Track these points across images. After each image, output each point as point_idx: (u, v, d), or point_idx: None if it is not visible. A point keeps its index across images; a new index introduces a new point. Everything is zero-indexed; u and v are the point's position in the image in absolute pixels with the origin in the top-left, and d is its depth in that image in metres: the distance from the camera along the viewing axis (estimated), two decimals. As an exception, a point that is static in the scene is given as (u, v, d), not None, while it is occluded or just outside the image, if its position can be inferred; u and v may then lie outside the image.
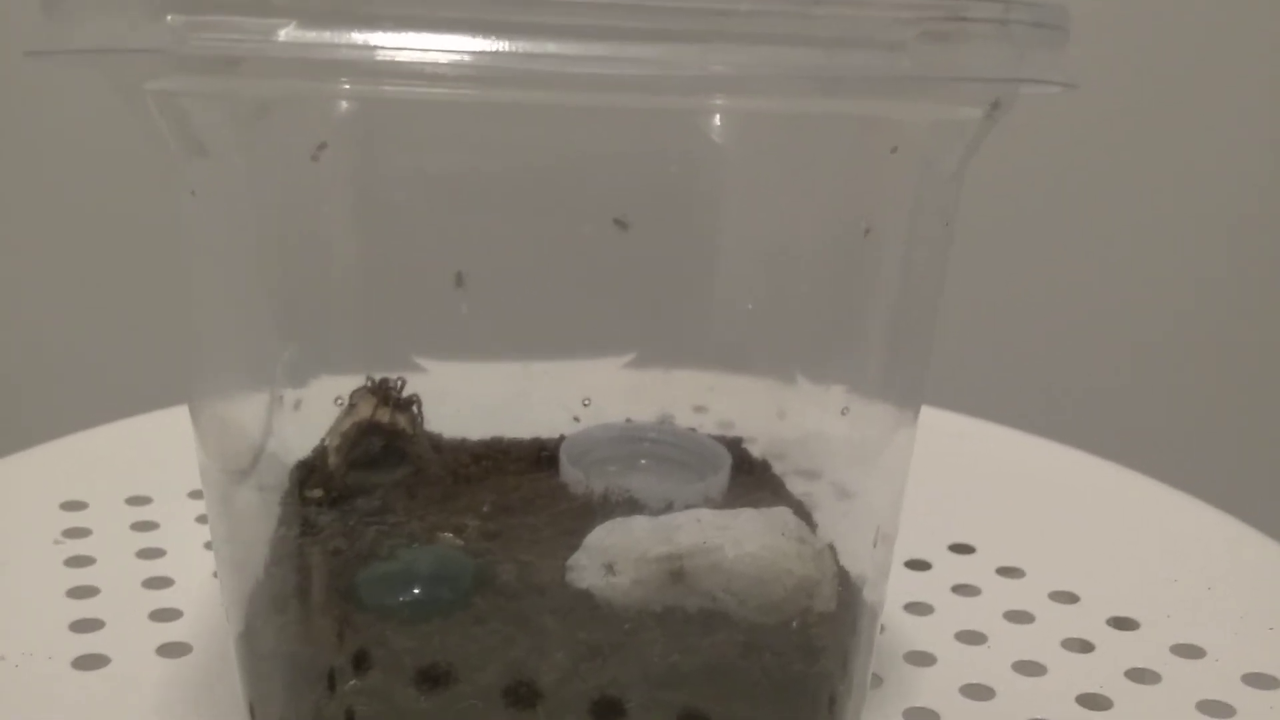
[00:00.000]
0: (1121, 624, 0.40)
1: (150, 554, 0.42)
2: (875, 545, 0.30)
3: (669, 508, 0.34)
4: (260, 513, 0.31)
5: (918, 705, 0.35)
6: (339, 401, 0.37)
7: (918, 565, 0.44)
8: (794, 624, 0.29)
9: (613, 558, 0.30)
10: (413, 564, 0.29)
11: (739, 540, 0.29)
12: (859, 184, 0.30)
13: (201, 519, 0.45)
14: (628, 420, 0.42)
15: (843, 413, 0.31)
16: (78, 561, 0.42)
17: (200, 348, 0.30)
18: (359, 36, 0.23)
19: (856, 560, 0.32)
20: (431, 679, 0.27)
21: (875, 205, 0.29)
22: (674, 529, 0.31)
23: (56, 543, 0.43)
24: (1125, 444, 0.58)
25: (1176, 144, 0.83)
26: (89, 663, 0.35)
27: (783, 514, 0.31)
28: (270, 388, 0.34)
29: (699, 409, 0.43)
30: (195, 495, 0.47)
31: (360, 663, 0.27)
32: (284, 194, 0.34)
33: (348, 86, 0.31)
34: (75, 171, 0.77)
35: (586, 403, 0.40)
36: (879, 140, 0.27)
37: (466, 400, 0.43)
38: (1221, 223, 0.85)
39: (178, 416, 0.34)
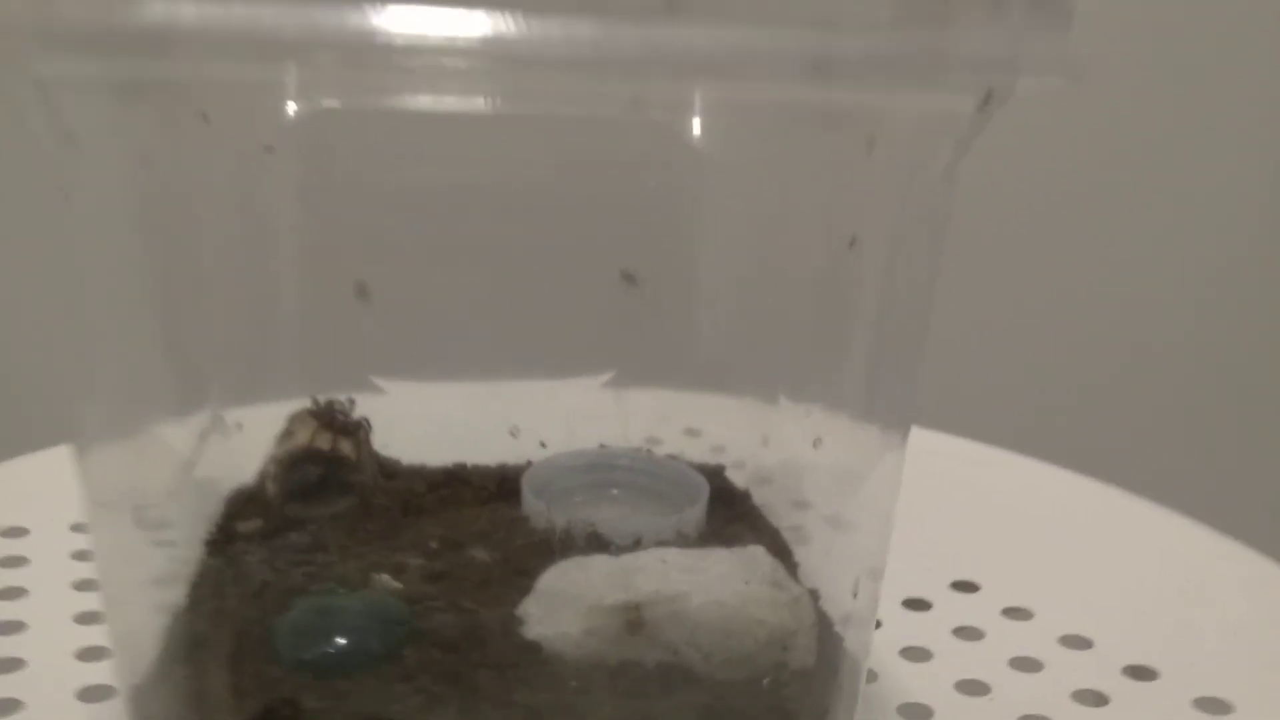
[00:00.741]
0: (1139, 674, 0.36)
1: (89, 586, 0.39)
2: (855, 595, 0.27)
3: (637, 543, 0.31)
4: (158, 551, 0.28)
5: (911, 766, 0.31)
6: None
7: (916, 605, 0.41)
8: (765, 681, 0.26)
9: (565, 604, 0.27)
10: (337, 610, 0.26)
11: (705, 586, 0.26)
12: (843, 189, 0.27)
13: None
14: (601, 446, 0.39)
15: (815, 444, 0.28)
16: (8, 593, 0.39)
17: (105, 365, 0.26)
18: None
19: (839, 604, 0.28)
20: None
21: (860, 211, 0.26)
22: (634, 571, 0.27)
23: (-12, 573, 0.40)
24: (1144, 471, 0.54)
25: (1186, 147, 0.80)
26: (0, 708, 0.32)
27: (756, 554, 0.28)
28: (195, 411, 0.31)
29: (688, 431, 0.40)
30: (158, 526, 0.44)
31: (267, 725, 0.24)
32: (223, 194, 0.31)
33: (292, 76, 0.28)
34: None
35: (543, 443, 0.37)
36: (862, 139, 0.24)
37: (432, 424, 0.40)
38: (1233, 231, 0.81)
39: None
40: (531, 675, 0.25)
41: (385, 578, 0.28)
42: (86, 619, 0.37)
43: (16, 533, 0.43)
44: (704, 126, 0.33)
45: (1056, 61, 0.21)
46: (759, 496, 0.36)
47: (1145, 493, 0.49)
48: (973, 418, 0.56)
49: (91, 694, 0.33)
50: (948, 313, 0.81)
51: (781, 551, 0.31)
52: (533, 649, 0.26)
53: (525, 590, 0.28)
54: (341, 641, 0.25)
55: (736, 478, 0.38)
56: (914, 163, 0.23)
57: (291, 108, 0.33)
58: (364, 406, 0.36)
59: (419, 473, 0.36)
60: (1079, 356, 0.83)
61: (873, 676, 0.36)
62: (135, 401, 0.28)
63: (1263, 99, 0.79)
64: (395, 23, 0.21)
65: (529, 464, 0.37)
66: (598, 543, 0.31)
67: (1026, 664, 0.37)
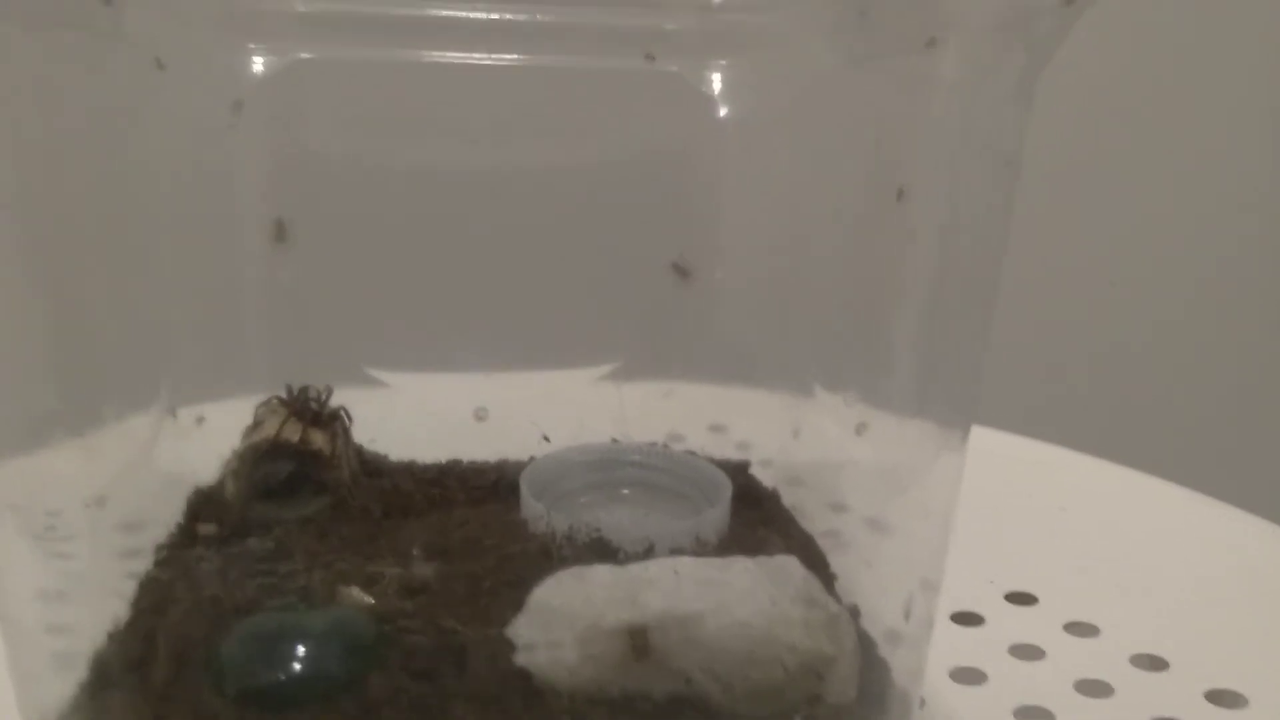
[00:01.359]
0: (1221, 698, 0.32)
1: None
2: (908, 616, 0.23)
3: (649, 551, 0.27)
4: (99, 556, 0.24)
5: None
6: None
7: (968, 619, 0.36)
8: (796, 718, 0.21)
9: (560, 623, 0.23)
10: (293, 630, 0.22)
11: (726, 603, 0.22)
12: (888, 126, 0.23)
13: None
14: (613, 441, 0.35)
15: (858, 430, 0.24)
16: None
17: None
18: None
19: (884, 623, 0.24)
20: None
21: (910, 151, 0.21)
22: (642, 584, 0.23)
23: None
24: (1219, 473, 0.49)
25: (1182, 105, 0.75)
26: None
27: (787, 565, 0.24)
28: (144, 402, 0.27)
29: (713, 428, 0.36)
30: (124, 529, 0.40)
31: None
32: (184, 153, 0.28)
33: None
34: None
35: (547, 437, 0.33)
36: (913, 61, 0.20)
37: (429, 418, 0.36)
38: (1246, 204, 0.76)
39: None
40: (517, 709, 0.21)
41: (354, 591, 0.24)
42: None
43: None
44: (723, 77, 0.29)
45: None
46: (790, 498, 0.32)
47: (1225, 496, 0.44)
48: (1025, 411, 0.51)
49: None
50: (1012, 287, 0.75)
51: (816, 562, 0.27)
52: (521, 677, 0.22)
53: (517, 606, 0.24)
54: (296, 667, 0.21)
55: (764, 477, 0.34)
56: (978, 76, 0.19)
57: (259, 60, 0.30)
58: (358, 401, 0.32)
59: (407, 470, 0.32)
60: (1154, 344, 0.78)
61: (920, 701, 0.32)
62: (65, 397, 0.24)
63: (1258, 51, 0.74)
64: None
65: (531, 460, 0.33)
66: (603, 550, 0.27)
67: (1095, 687, 0.33)
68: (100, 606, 0.23)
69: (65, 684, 0.22)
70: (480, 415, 0.32)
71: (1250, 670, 0.33)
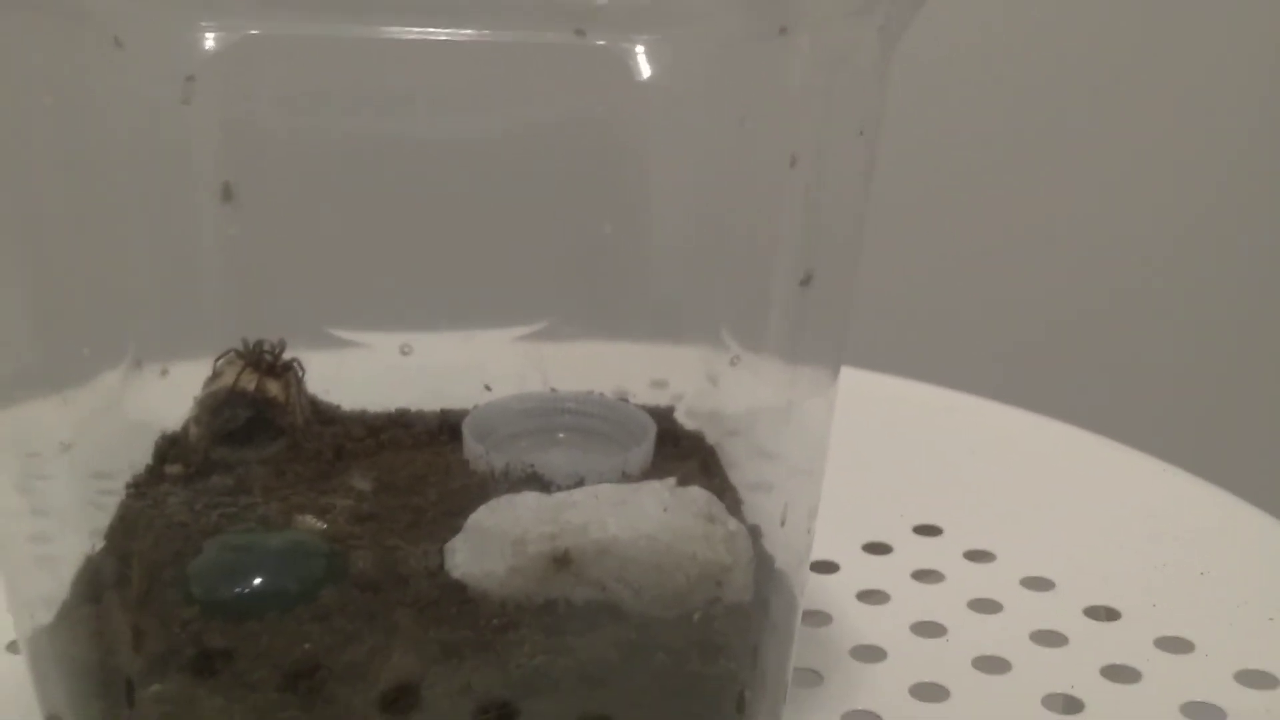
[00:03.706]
0: (1100, 614, 0.36)
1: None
2: (783, 523, 0.26)
3: (579, 484, 0.30)
4: (75, 493, 0.27)
5: (858, 708, 0.31)
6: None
7: (877, 549, 0.40)
8: (695, 616, 0.25)
9: (492, 541, 0.26)
10: (253, 550, 0.25)
11: (633, 520, 0.25)
12: (779, 103, 0.26)
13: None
14: (551, 390, 0.38)
15: (731, 362, 0.27)
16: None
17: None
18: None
19: (778, 544, 0.27)
20: (251, 685, 0.23)
21: (793, 124, 0.24)
22: (565, 507, 0.26)
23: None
24: (1108, 413, 0.53)
25: (1152, 70, 0.78)
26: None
27: (693, 490, 0.27)
28: (113, 355, 0.30)
29: (654, 384, 0.39)
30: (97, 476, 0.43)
31: (169, 666, 0.23)
32: (141, 127, 0.30)
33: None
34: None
35: (488, 386, 0.36)
36: (774, 25, 0.22)
37: (381, 373, 0.39)
38: (1195, 167, 0.80)
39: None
40: (452, 614, 0.24)
41: (308, 518, 0.27)
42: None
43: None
44: (646, 49, 0.32)
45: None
46: (711, 438, 0.35)
47: (1114, 434, 0.48)
48: (933, 359, 0.55)
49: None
50: (906, 251, 0.80)
51: (724, 489, 0.30)
52: (457, 588, 0.25)
53: (456, 531, 0.27)
54: (256, 581, 0.24)
55: (689, 422, 0.37)
56: (835, 58, 0.22)
57: (210, 36, 0.32)
58: (314, 357, 0.35)
59: (358, 418, 0.35)
60: (1046, 293, 0.82)
61: (827, 619, 0.35)
62: (40, 346, 0.27)
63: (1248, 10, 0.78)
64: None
65: (473, 408, 0.36)
66: (538, 485, 0.30)
67: (986, 605, 0.36)
68: (78, 536, 0.26)
69: (51, 604, 0.24)
70: (405, 350, 0.35)
71: (1123, 585, 0.37)
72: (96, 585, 0.25)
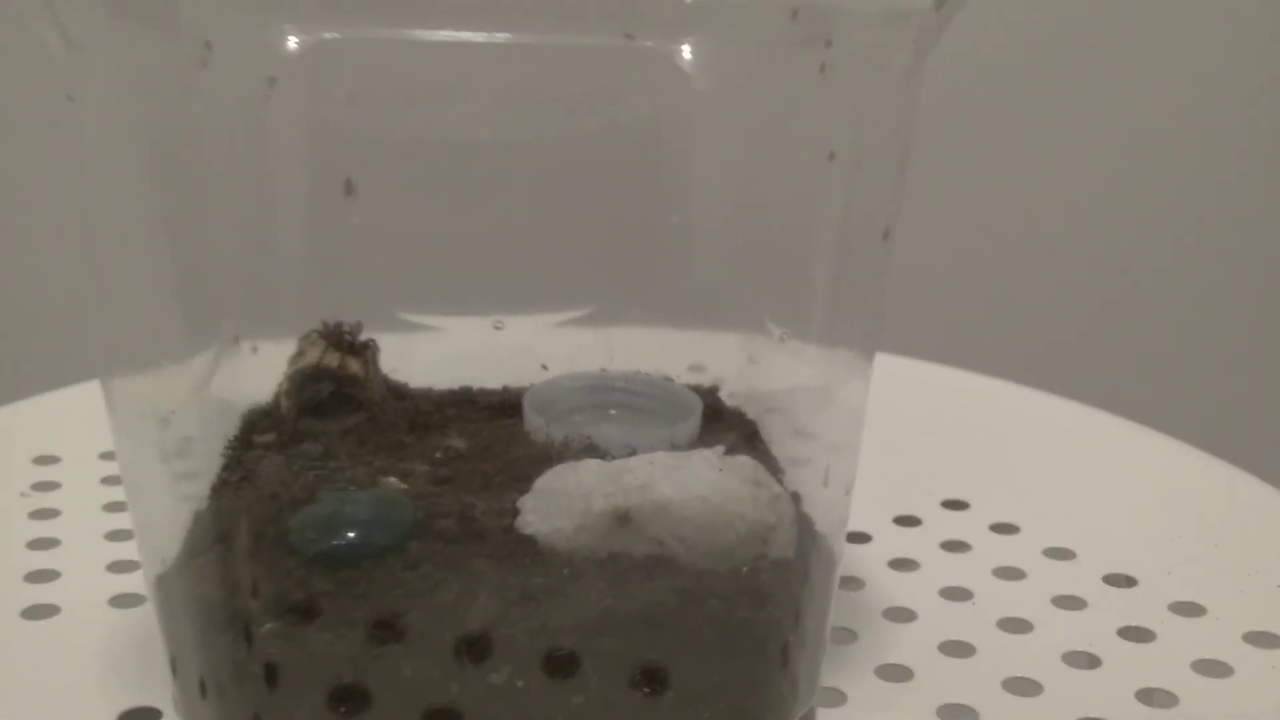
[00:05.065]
0: (1118, 581, 0.38)
1: (116, 507, 0.42)
2: (826, 484, 0.28)
3: (631, 454, 0.33)
4: (193, 457, 0.30)
5: (891, 662, 0.33)
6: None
7: (907, 521, 0.42)
8: (744, 570, 0.27)
9: (559, 502, 0.29)
10: (348, 508, 0.28)
11: (686, 483, 0.28)
12: (817, 103, 0.28)
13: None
14: (601, 370, 0.40)
15: (780, 339, 0.29)
16: (43, 514, 0.41)
17: (117, 290, 0.28)
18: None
19: (819, 509, 0.30)
20: (356, 624, 0.25)
21: (831, 124, 0.27)
22: (623, 472, 0.29)
23: (24, 495, 0.42)
24: (1127, 395, 0.55)
25: (1172, 64, 0.80)
26: (39, 612, 0.35)
27: (740, 458, 0.30)
28: (211, 334, 0.32)
29: (693, 368, 0.42)
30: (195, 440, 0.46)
31: (280, 609, 0.25)
32: (230, 124, 0.33)
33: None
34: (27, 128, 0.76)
35: (545, 366, 0.38)
36: (820, 39, 0.25)
37: (445, 353, 0.42)
38: (1213, 156, 0.82)
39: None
40: (526, 565, 0.27)
41: (392, 480, 0.30)
42: (115, 536, 0.40)
43: (49, 460, 0.45)
44: (692, 52, 0.34)
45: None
46: (750, 414, 0.38)
47: (1133, 415, 0.50)
48: (964, 347, 0.57)
49: (121, 601, 0.35)
50: (935, 244, 0.82)
51: (766, 458, 0.33)
52: (529, 542, 0.28)
53: (524, 493, 0.30)
54: (350, 535, 0.27)
55: (730, 401, 0.40)
56: (875, 68, 0.24)
57: (292, 39, 0.34)
58: (383, 338, 0.38)
59: (426, 394, 0.38)
60: (1070, 284, 0.84)
61: (861, 584, 0.38)
62: (153, 322, 0.30)
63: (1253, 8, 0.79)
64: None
65: (531, 386, 0.38)
66: (593, 453, 0.33)
67: (1010, 573, 0.38)
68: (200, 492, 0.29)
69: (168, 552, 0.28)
70: (498, 326, 0.37)
71: (1140, 555, 0.39)
72: (208, 539, 0.27)
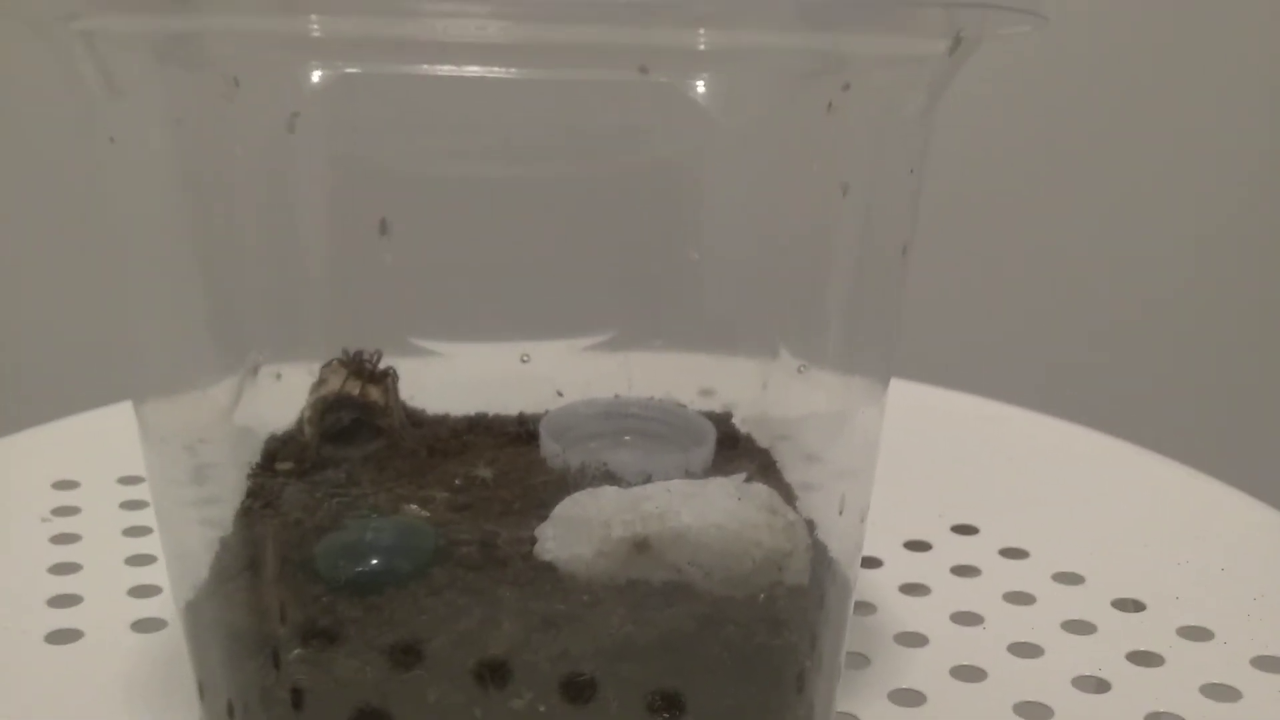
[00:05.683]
0: (1127, 606, 0.38)
1: (136, 532, 0.42)
2: (841, 511, 0.29)
3: (647, 480, 0.33)
4: (218, 483, 0.30)
5: (904, 686, 0.33)
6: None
7: (917, 546, 0.43)
8: (761, 597, 0.28)
9: (578, 529, 0.29)
10: (371, 535, 0.29)
11: (703, 511, 0.28)
12: (831, 140, 0.29)
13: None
14: (615, 396, 0.41)
15: (799, 370, 0.30)
16: (64, 539, 0.41)
17: (149, 320, 0.29)
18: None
19: (833, 536, 0.30)
20: (380, 650, 0.26)
21: (846, 160, 0.27)
22: (641, 499, 0.30)
23: (44, 520, 0.43)
24: (1136, 420, 0.56)
25: (1177, 91, 0.81)
26: (62, 637, 0.35)
27: (756, 486, 0.30)
28: (237, 363, 0.33)
29: (703, 392, 0.42)
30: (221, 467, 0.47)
31: (307, 635, 0.26)
32: (255, 157, 0.34)
33: (315, 33, 0.30)
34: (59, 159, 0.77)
35: (560, 392, 0.39)
36: (838, 83, 0.26)
37: (459, 379, 0.42)
38: (1222, 184, 0.83)
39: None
40: (547, 591, 0.27)
41: (414, 507, 0.30)
42: (136, 561, 0.40)
43: (69, 485, 0.46)
44: (706, 85, 0.35)
45: (1025, 1, 0.23)
46: (761, 439, 0.38)
47: (1141, 440, 0.50)
48: (971, 373, 0.58)
49: (143, 626, 0.36)
50: (950, 269, 0.83)
51: (780, 485, 0.33)
52: (549, 569, 0.28)
53: (543, 519, 0.30)
54: (375, 562, 0.28)
55: (742, 426, 0.40)
56: (889, 108, 0.25)
57: (316, 74, 0.35)
58: (400, 365, 0.38)
59: (443, 421, 0.38)
60: (1078, 312, 0.85)
61: (873, 609, 0.38)
62: (181, 351, 0.30)
63: (1256, 30, 0.80)
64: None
65: (546, 412, 0.39)
66: (610, 480, 0.33)
67: (1020, 598, 0.39)
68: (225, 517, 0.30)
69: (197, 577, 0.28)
70: (525, 359, 0.38)
71: (1148, 580, 0.40)
72: (235, 566, 0.28)
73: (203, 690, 0.28)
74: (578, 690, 0.27)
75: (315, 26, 0.29)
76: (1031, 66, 0.79)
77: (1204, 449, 0.53)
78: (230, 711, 0.27)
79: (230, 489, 0.31)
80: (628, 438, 0.39)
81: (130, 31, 0.25)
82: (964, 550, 0.42)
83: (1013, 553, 0.42)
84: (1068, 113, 0.81)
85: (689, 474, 0.35)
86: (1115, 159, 0.82)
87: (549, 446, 0.36)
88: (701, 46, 0.31)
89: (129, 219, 0.28)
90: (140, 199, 0.28)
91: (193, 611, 0.28)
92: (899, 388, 0.32)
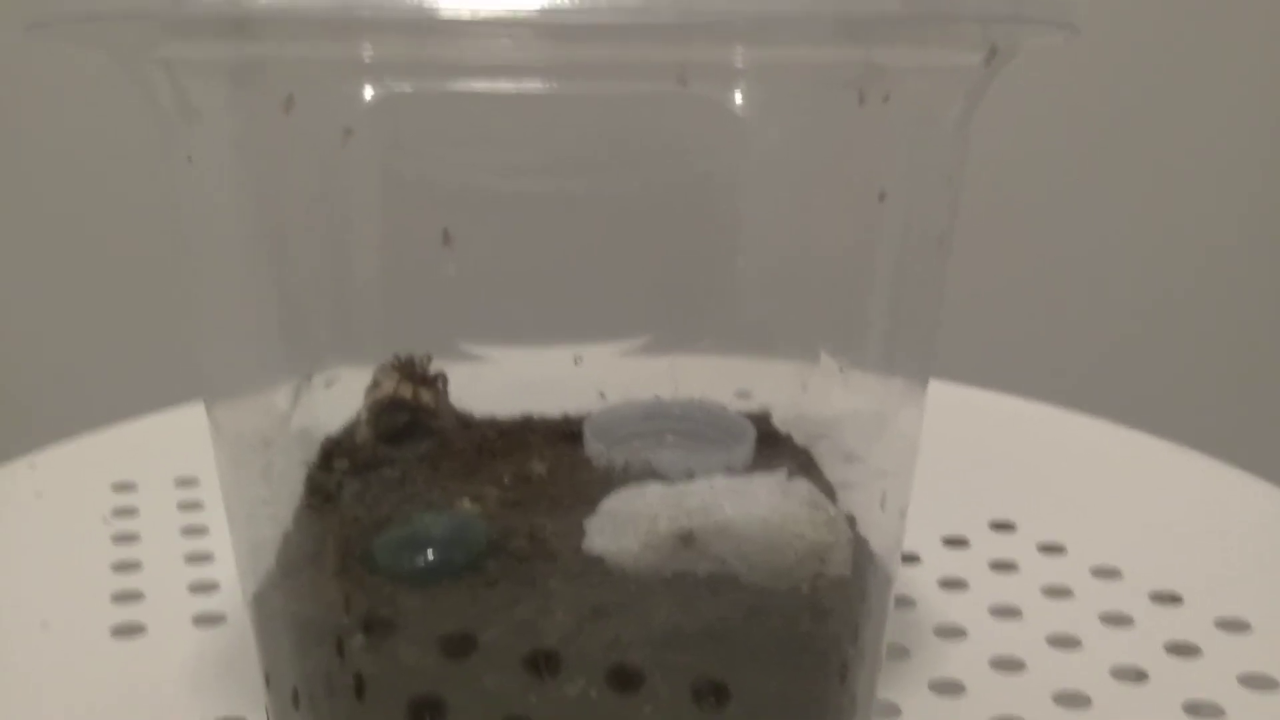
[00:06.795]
0: (1164, 599, 0.39)
1: (194, 531, 0.44)
2: (883, 506, 0.30)
3: (690, 478, 0.34)
4: (280, 482, 0.31)
5: (944, 677, 0.34)
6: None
7: (956, 542, 0.43)
8: (804, 588, 0.29)
9: (625, 523, 0.30)
10: (427, 529, 0.30)
11: (746, 505, 0.29)
12: (868, 148, 0.30)
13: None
14: (656, 398, 0.42)
15: (840, 369, 0.31)
16: (124, 538, 0.43)
17: (218, 329, 0.30)
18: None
19: (874, 531, 0.31)
20: (438, 639, 0.27)
21: (884, 167, 0.28)
22: (685, 495, 0.31)
23: (105, 521, 0.44)
24: (1170, 416, 0.56)
25: (1200, 95, 0.81)
26: (127, 631, 0.36)
27: (797, 481, 0.31)
28: (297, 368, 0.34)
29: (739, 394, 0.43)
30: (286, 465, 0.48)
31: (369, 624, 0.27)
32: (306, 171, 0.35)
33: (367, 54, 0.31)
34: (112, 159, 0.79)
35: (603, 394, 0.40)
36: (879, 97, 0.27)
37: (505, 383, 0.43)
38: (1265, 178, 0.82)
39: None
40: (596, 582, 0.28)
41: (466, 503, 0.31)
42: (194, 559, 0.42)
43: (127, 487, 0.47)
44: (744, 96, 0.36)
45: (1056, 14, 0.24)
46: (800, 440, 0.39)
47: (1175, 437, 0.51)
48: (1008, 371, 0.58)
49: (204, 620, 0.37)
50: (985, 268, 0.83)
51: (820, 481, 0.34)
52: (598, 562, 0.29)
53: (590, 515, 0.31)
54: (431, 555, 0.29)
55: (781, 426, 0.41)
56: (927, 117, 0.26)
57: (368, 92, 0.36)
58: (448, 369, 0.40)
59: (491, 423, 0.39)
60: (1113, 310, 0.85)
61: (912, 603, 0.39)
62: (247, 357, 0.32)
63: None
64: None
65: (590, 414, 0.40)
66: (654, 477, 0.34)
67: (1058, 592, 0.39)
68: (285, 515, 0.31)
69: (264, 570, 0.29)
70: (577, 360, 0.39)
71: (1186, 573, 0.40)
72: (299, 559, 0.29)
73: (269, 679, 0.29)
74: (627, 678, 0.28)
75: (368, 49, 0.31)
76: (1061, 69, 0.79)
77: (1240, 444, 0.53)
78: (295, 699, 0.28)
79: (291, 487, 0.32)
80: (669, 437, 0.40)
81: (203, 58, 0.26)
82: (1002, 546, 0.43)
83: (1050, 548, 0.42)
84: (1103, 110, 0.81)
85: (730, 471, 0.36)
86: (1151, 155, 0.82)
87: (593, 446, 0.37)
88: (739, 64, 0.32)
89: (203, 233, 0.29)
90: (213, 214, 0.29)
91: (260, 603, 0.29)
92: (937, 388, 0.33)
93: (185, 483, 0.48)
